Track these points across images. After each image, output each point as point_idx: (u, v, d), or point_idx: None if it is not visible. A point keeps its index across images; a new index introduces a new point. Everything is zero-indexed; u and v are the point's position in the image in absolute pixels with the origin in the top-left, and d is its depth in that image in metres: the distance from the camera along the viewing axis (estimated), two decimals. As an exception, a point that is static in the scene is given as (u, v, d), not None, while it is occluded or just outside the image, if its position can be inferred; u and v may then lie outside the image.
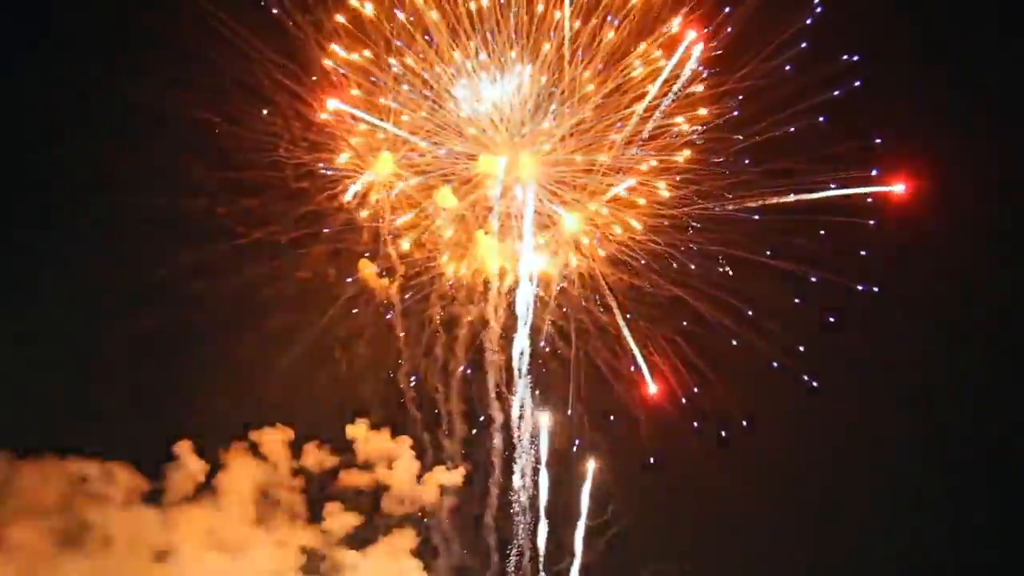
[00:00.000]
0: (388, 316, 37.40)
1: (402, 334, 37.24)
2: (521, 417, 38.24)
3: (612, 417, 38.30)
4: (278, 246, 36.56)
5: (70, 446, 35.33)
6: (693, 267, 37.09)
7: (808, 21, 35.77)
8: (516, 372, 37.25)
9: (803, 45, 35.85)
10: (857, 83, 36.43)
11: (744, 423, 38.81)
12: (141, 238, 37.65)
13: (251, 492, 38.35)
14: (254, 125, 35.02)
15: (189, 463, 37.74)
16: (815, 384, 38.40)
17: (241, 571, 37.09)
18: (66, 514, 35.20)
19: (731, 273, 37.10)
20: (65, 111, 35.37)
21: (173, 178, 36.10)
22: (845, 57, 36.35)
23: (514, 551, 39.54)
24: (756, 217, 37.07)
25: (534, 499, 39.62)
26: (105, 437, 36.40)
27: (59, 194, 36.83)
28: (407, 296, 36.58)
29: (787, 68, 35.65)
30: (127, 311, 37.57)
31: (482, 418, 39.20)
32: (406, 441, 40.01)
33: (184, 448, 37.76)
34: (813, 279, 37.50)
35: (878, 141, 37.44)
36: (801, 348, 38.10)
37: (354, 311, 37.42)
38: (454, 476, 40.20)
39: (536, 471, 39.55)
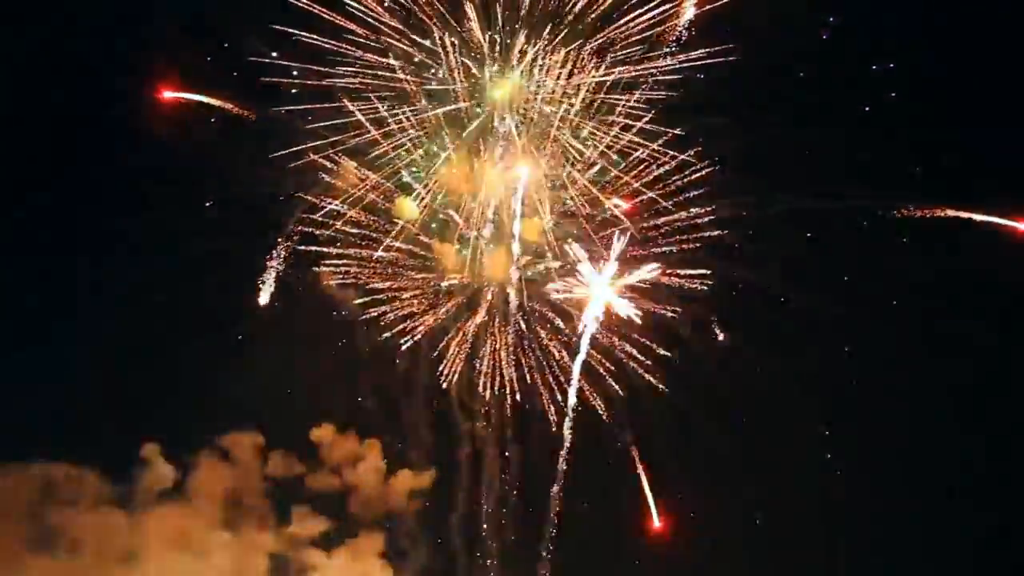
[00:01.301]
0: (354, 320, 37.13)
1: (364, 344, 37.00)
2: (487, 425, 38.30)
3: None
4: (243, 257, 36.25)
5: (37, 450, 35.98)
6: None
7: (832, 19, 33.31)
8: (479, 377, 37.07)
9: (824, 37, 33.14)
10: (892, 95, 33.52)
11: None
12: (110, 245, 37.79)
13: (219, 496, 38.85)
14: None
15: (158, 467, 38.24)
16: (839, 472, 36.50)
17: (208, 574, 37.74)
18: (33, 518, 35.82)
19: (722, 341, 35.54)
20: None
21: (139, 191, 35.86)
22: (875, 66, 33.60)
23: (481, 553, 40.11)
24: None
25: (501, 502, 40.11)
26: (73, 441, 36.88)
27: (28, 203, 36.67)
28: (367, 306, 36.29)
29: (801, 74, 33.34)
30: (96, 317, 37.92)
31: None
32: (374, 445, 40.38)
33: (152, 451, 38.27)
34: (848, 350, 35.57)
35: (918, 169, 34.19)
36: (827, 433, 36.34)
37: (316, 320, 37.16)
38: (422, 479, 40.54)
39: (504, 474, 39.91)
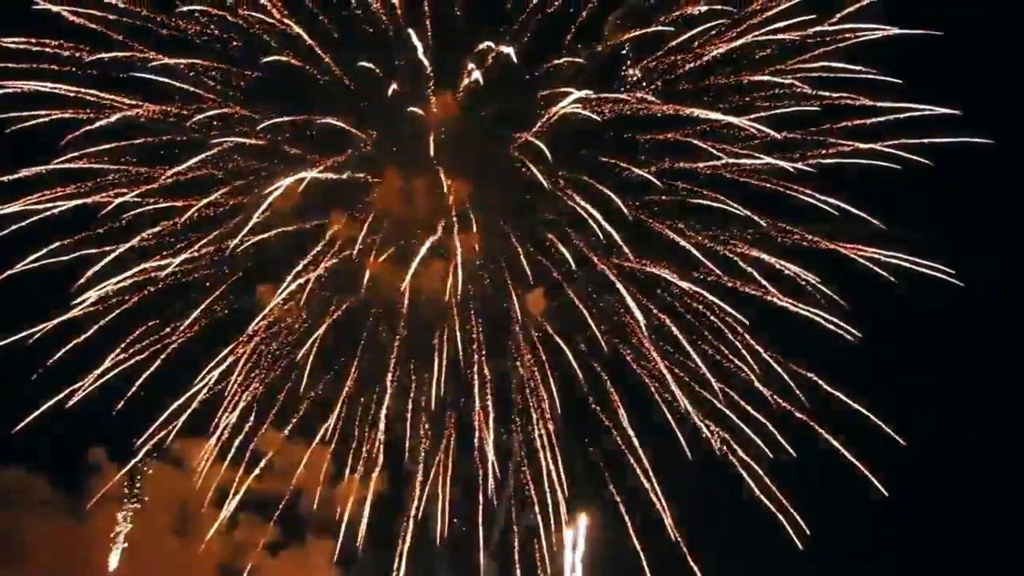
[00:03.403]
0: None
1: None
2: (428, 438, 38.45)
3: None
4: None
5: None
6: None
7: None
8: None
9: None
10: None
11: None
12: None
13: (169, 502, 39.13)
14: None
15: (107, 473, 38.55)
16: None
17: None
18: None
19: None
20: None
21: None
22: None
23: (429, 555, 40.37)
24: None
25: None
26: (23, 445, 37.21)
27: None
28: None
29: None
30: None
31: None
32: (323, 451, 40.46)
33: (101, 457, 38.53)
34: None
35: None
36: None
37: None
38: (371, 485, 40.65)
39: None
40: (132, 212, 33.68)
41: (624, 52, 32.31)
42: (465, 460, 38.92)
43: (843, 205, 33.23)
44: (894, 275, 33.20)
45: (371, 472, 40.06)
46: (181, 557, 38.37)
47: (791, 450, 33.75)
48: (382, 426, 38.39)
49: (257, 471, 39.20)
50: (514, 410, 36.73)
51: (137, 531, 38.52)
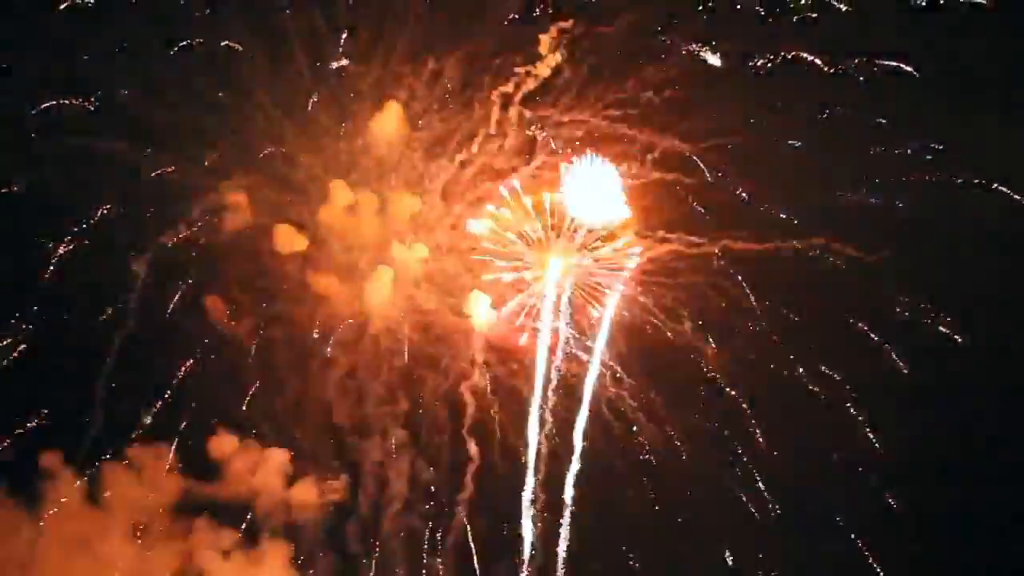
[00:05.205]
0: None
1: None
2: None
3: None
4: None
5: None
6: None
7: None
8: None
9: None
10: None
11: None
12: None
13: (123, 506, 39.29)
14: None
15: (61, 477, 38.56)
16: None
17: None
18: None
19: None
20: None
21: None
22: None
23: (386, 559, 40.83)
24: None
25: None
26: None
27: None
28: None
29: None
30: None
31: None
32: (279, 453, 40.66)
33: (55, 461, 38.53)
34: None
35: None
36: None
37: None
38: (329, 487, 40.92)
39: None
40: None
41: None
42: (421, 466, 39.53)
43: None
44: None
45: (327, 478, 40.56)
46: (136, 562, 38.61)
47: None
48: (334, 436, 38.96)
49: (213, 478, 39.79)
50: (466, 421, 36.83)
51: (92, 537, 38.63)
